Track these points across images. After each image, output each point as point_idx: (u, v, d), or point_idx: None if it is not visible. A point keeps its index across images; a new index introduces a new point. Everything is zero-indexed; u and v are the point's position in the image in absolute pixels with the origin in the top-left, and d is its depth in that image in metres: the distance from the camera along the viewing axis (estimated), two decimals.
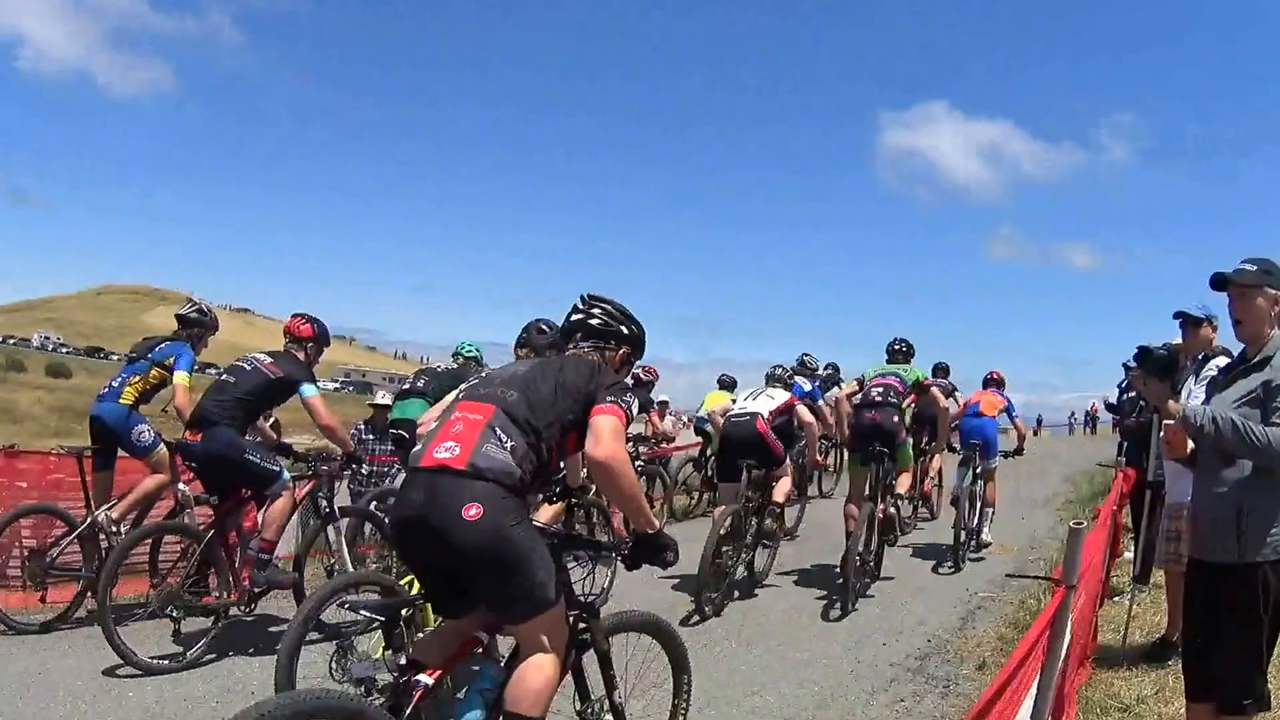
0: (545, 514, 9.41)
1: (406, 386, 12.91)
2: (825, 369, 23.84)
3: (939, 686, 9.18)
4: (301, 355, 10.78)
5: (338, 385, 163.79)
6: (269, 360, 10.52)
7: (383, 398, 18.61)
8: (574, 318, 5.93)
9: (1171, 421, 6.05)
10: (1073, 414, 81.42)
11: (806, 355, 21.57)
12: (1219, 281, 5.96)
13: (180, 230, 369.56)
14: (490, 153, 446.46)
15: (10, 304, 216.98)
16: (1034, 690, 4.57)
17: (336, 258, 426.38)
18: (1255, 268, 5.92)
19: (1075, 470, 33.19)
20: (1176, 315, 8.67)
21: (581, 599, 5.53)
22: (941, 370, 20.19)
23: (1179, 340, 8.83)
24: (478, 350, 13.34)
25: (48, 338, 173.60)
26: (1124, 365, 14.11)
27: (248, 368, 10.40)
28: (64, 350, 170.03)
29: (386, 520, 10.02)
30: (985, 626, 11.48)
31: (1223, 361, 7.92)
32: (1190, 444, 6.02)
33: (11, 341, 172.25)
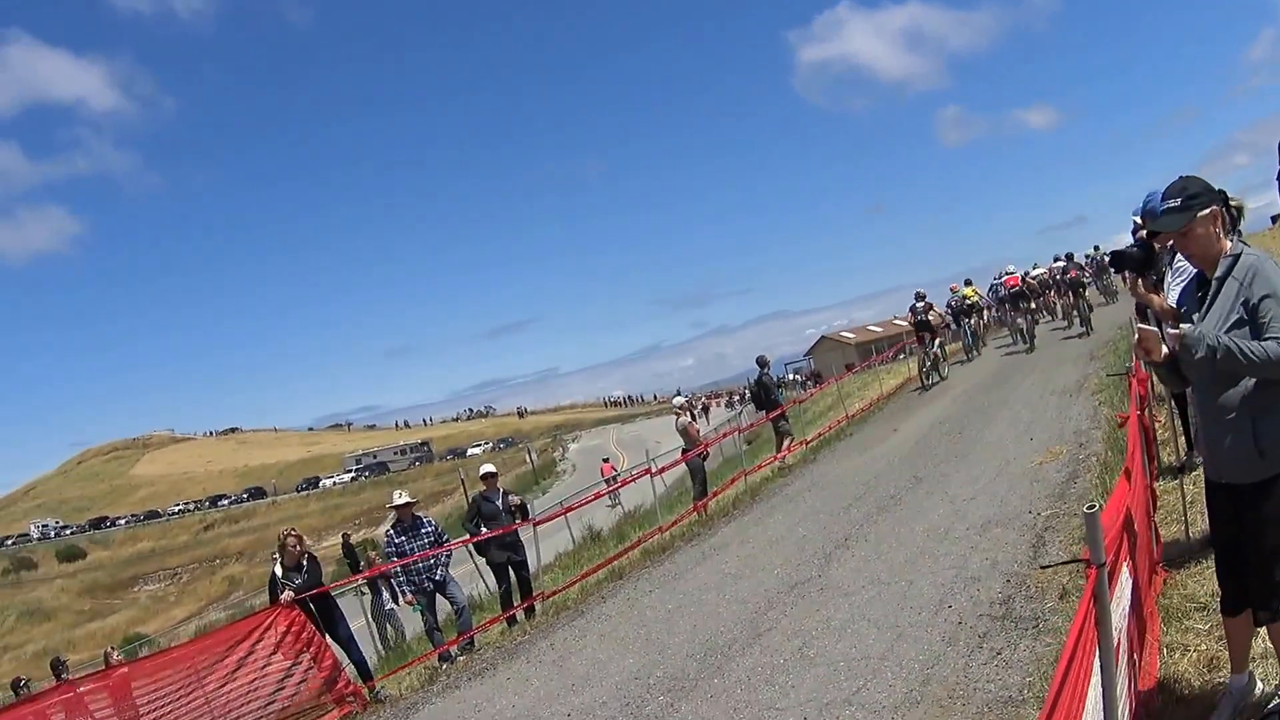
0: None
1: None
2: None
3: (1029, 628, 9.50)
4: None
5: (353, 474, 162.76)
6: None
7: (399, 497, 19.16)
8: None
9: (1145, 327, 6.15)
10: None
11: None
12: (1136, 231, 6.10)
13: (136, 372, 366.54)
14: (411, 179, 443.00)
15: None
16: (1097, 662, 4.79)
17: (304, 347, 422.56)
18: (1178, 203, 5.98)
19: (1098, 342, 33.78)
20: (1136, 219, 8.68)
21: None
22: None
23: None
24: None
25: (45, 525, 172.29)
26: (1134, 219, 14.49)
27: None
28: (67, 532, 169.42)
29: None
30: (1057, 550, 11.76)
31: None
32: (1165, 350, 6.01)
33: (10, 542, 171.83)
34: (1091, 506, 4.81)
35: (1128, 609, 5.83)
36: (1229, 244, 5.99)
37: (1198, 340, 5.72)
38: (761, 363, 33.08)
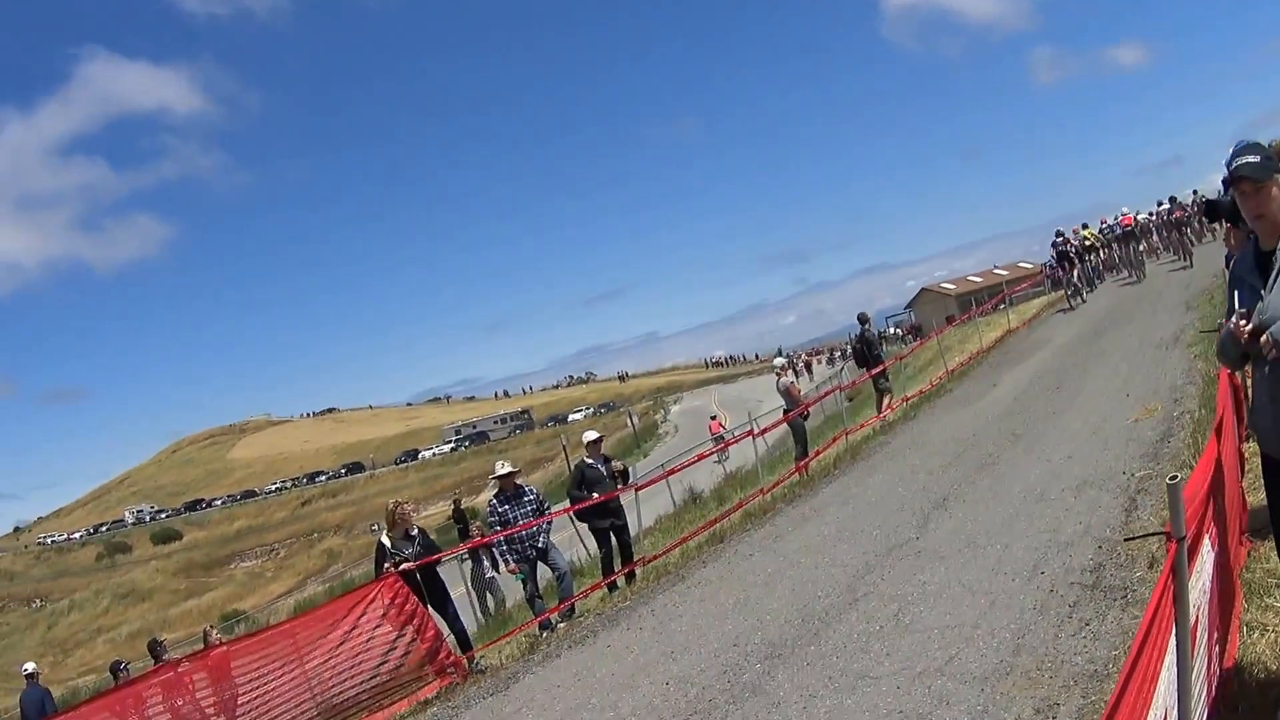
0: None
1: None
2: None
3: (1117, 599, 9.63)
4: None
5: (453, 445, 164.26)
6: None
7: (503, 467, 19.43)
8: None
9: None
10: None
11: None
12: (1227, 181, 6.18)
13: (231, 363, 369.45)
14: (502, 150, 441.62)
15: (88, 494, 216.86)
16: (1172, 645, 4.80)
17: (401, 325, 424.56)
18: (1259, 157, 5.89)
19: (1194, 291, 33.29)
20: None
21: None
22: None
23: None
24: None
25: (140, 511, 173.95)
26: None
27: None
28: (162, 516, 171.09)
29: None
30: (1149, 514, 11.84)
31: None
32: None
33: (104, 529, 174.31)
34: (1174, 477, 4.90)
35: (1210, 583, 5.84)
36: None
37: None
38: (863, 319, 33.45)
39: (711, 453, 34.10)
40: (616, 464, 21.04)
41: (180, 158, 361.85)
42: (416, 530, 16.88)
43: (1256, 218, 5.96)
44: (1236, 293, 6.05)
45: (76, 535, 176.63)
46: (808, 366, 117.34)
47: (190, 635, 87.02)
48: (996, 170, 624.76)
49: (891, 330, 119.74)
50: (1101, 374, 23.66)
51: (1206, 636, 5.70)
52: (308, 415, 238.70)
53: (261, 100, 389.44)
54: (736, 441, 33.97)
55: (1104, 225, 49.19)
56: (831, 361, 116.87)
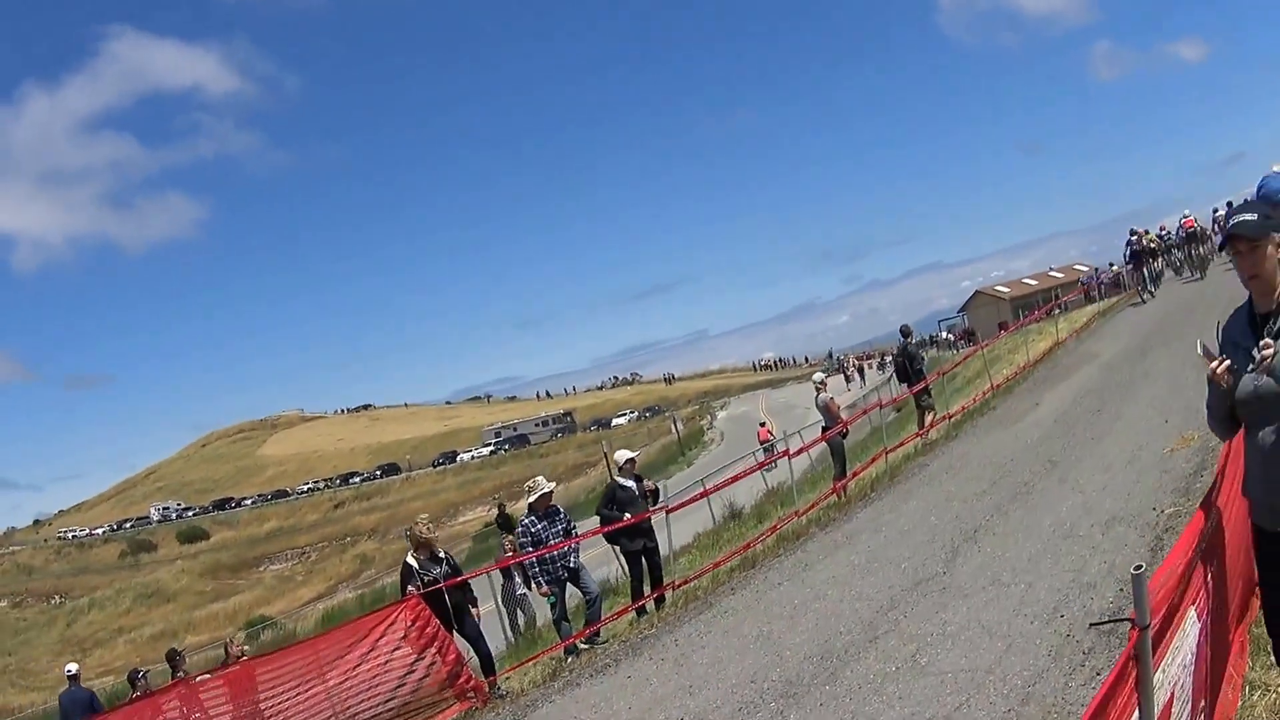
0: None
1: None
2: None
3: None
4: None
5: (492, 448, 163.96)
6: None
7: (541, 486, 19.57)
8: None
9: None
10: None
11: None
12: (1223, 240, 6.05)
13: (263, 355, 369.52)
14: (549, 138, 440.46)
15: (111, 489, 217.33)
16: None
17: (439, 321, 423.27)
18: (1255, 215, 5.94)
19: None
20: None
21: None
22: None
23: None
24: None
25: (166, 508, 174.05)
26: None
27: None
28: (189, 514, 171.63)
29: None
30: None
31: None
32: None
33: (128, 525, 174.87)
34: (1139, 567, 4.83)
35: (1193, 654, 5.75)
36: None
37: None
38: (905, 332, 33.77)
39: (751, 471, 34.37)
40: (648, 484, 21.35)
41: (214, 136, 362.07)
42: (443, 552, 17.21)
43: (1251, 278, 6.02)
44: (1229, 358, 5.96)
45: (99, 531, 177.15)
46: (859, 371, 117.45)
47: (215, 640, 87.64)
48: (1055, 167, 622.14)
49: (944, 334, 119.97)
50: (1144, 396, 23.78)
51: (1191, 705, 5.74)
52: (342, 412, 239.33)
53: (298, 82, 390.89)
54: (774, 460, 34.25)
55: (1163, 231, 52.53)
56: (883, 366, 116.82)
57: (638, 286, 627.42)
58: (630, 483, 20.54)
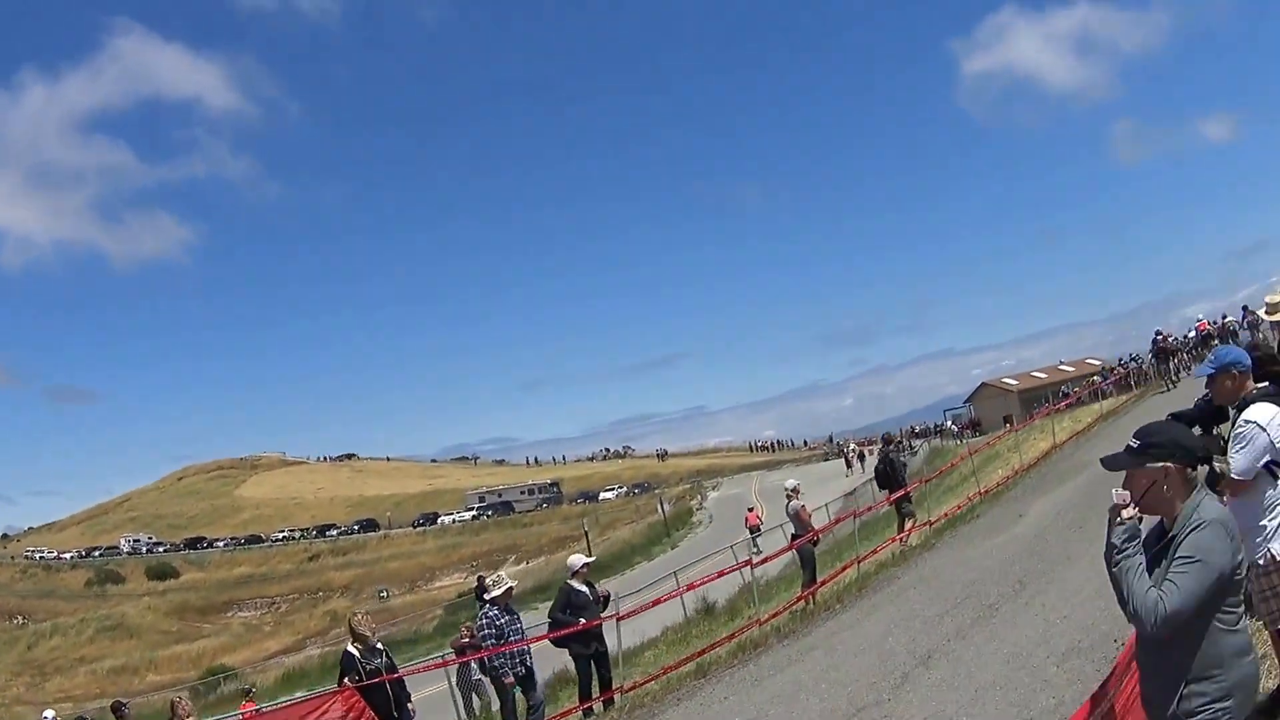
0: None
1: None
2: None
3: None
4: None
5: (475, 513, 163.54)
6: None
7: (502, 583, 20.41)
8: None
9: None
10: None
11: None
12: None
13: (249, 390, 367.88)
14: (558, 202, 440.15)
15: (83, 512, 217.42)
16: None
17: (433, 373, 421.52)
18: (1139, 443, 6.34)
19: None
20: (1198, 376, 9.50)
21: None
22: None
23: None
24: None
25: (136, 540, 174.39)
26: None
27: None
28: (160, 549, 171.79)
29: None
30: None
31: (1262, 411, 8.38)
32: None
33: (97, 554, 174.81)
34: None
35: None
36: (1183, 506, 6.13)
37: (1127, 533, 6.03)
38: (888, 440, 34.38)
39: (727, 572, 34.58)
40: (601, 590, 21.77)
41: (210, 156, 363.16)
42: (380, 644, 17.58)
43: (1142, 506, 6.22)
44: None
45: (67, 555, 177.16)
46: (860, 457, 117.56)
47: (175, 681, 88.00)
48: (1072, 254, 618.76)
49: (949, 424, 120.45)
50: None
51: None
52: (324, 459, 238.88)
53: (302, 110, 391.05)
54: (737, 569, 34.47)
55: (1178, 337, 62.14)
56: (901, 445, 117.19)
57: (639, 357, 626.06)
58: (584, 588, 20.88)
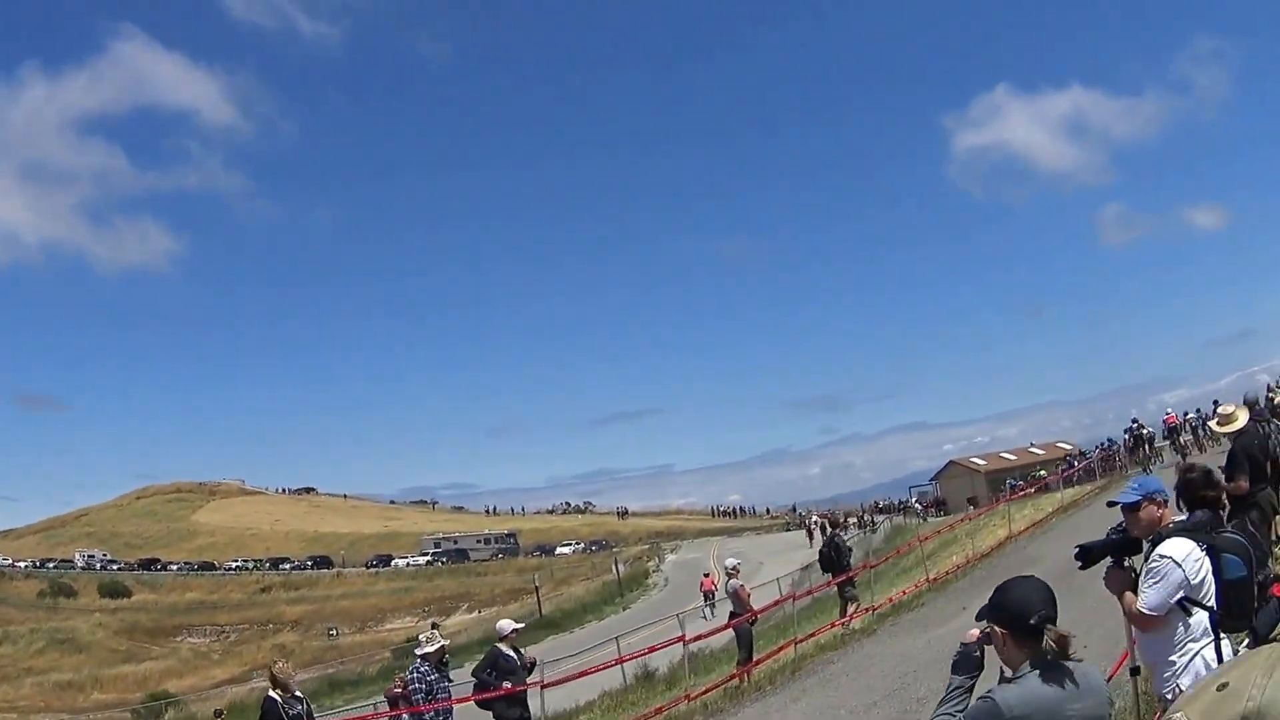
0: None
1: None
2: None
3: None
4: None
5: (429, 558, 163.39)
6: None
7: (433, 641, 20.30)
8: None
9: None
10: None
11: None
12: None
13: (215, 412, 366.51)
14: (548, 268, 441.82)
15: (41, 522, 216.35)
16: None
17: (400, 412, 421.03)
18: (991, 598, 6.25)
19: None
20: (1110, 504, 9.61)
21: None
22: None
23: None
24: None
25: (92, 555, 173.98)
26: None
27: None
28: (114, 567, 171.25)
29: None
30: None
31: (1177, 546, 8.30)
32: None
33: (52, 565, 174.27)
34: None
35: None
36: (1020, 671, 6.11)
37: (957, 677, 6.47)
38: (834, 523, 34.34)
39: (669, 644, 34.63)
40: (528, 656, 22.07)
41: (201, 168, 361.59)
42: (300, 692, 17.86)
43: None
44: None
45: (22, 564, 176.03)
46: (822, 528, 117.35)
47: (120, 702, 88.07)
48: (1053, 333, 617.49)
49: (914, 502, 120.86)
50: (1066, 617, 24.14)
51: None
52: (283, 491, 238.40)
53: (296, 131, 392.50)
54: (663, 647, 34.50)
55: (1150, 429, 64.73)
56: (845, 528, 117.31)
57: (607, 409, 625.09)
58: (511, 652, 21.16)
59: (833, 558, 34.13)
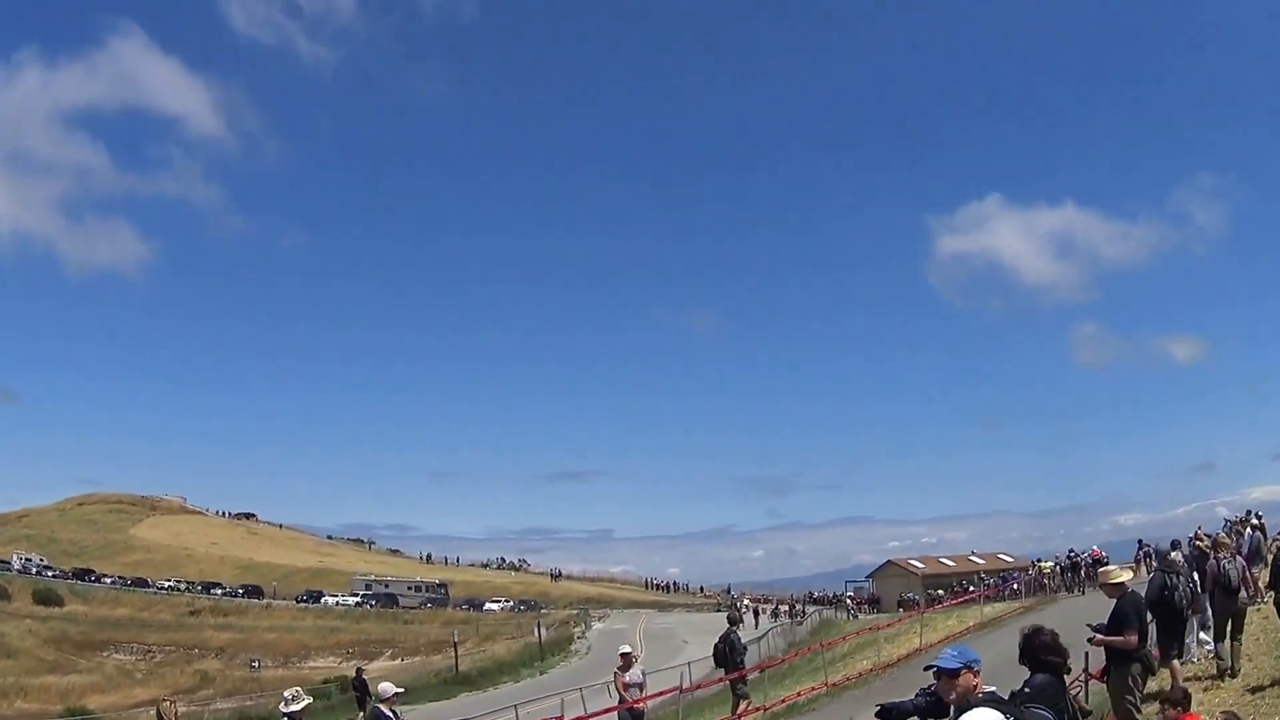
0: None
1: None
2: None
3: None
4: None
5: (359, 599, 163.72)
6: None
7: (295, 702, 19.81)
8: None
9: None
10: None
11: None
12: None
13: (163, 424, 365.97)
14: (513, 316, 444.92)
15: None
16: None
17: (343, 450, 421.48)
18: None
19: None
20: (927, 668, 9.67)
21: None
22: None
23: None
24: None
25: (29, 559, 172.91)
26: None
27: None
28: (49, 573, 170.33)
29: None
30: None
31: (985, 717, 8.13)
32: None
33: None
34: None
35: None
36: None
37: None
38: (732, 620, 35.41)
39: None
40: None
41: (182, 177, 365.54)
42: None
43: None
44: None
45: None
46: (754, 613, 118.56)
47: (42, 713, 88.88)
48: (1011, 443, 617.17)
49: (848, 599, 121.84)
50: None
51: None
52: (223, 514, 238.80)
53: (279, 150, 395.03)
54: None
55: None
56: (776, 615, 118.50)
57: (555, 466, 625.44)
58: (390, 714, 23.03)
59: (726, 653, 34.33)
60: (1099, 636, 17.22)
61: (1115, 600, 17.71)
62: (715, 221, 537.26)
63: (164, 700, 20.53)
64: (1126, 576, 18.89)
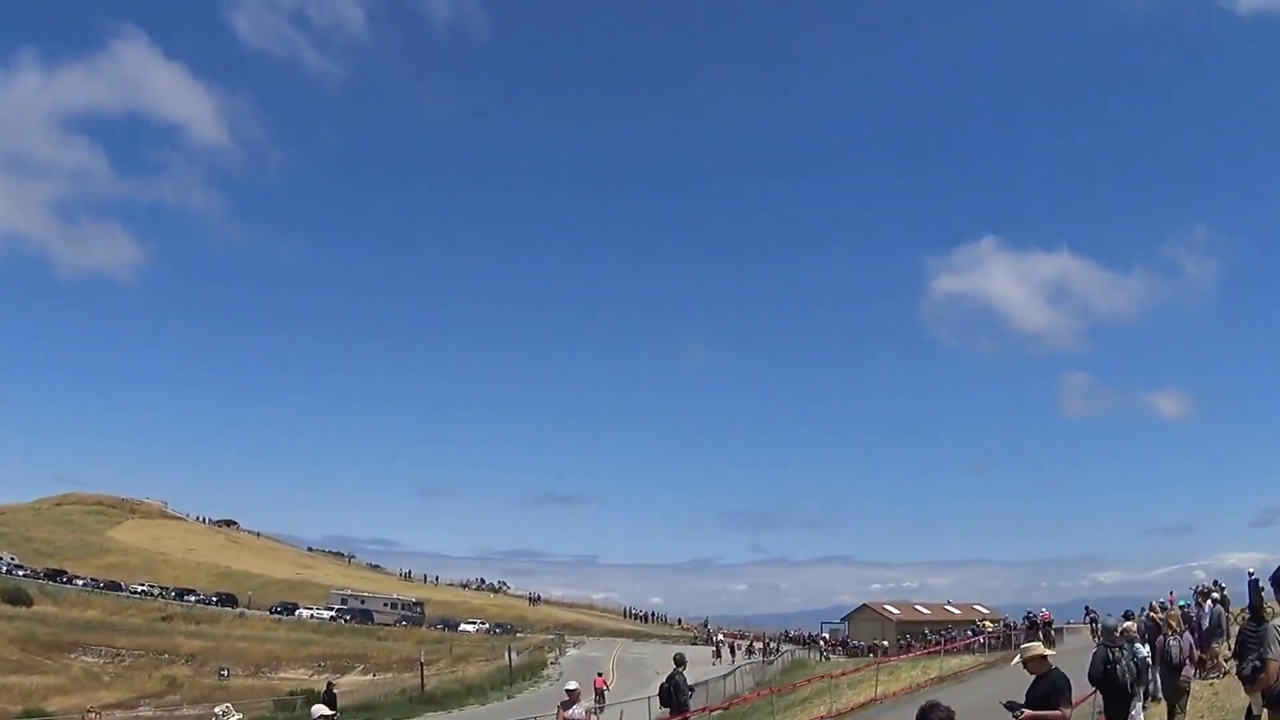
0: None
1: None
2: None
3: None
4: None
5: (334, 613, 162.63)
6: None
7: (228, 713, 20.60)
8: None
9: None
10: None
11: None
12: None
13: (153, 430, 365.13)
14: (511, 337, 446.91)
15: None
16: None
17: (331, 462, 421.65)
18: None
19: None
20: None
21: None
22: None
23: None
24: None
25: (1, 557, 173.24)
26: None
27: None
28: (20, 573, 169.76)
29: None
30: None
31: None
32: None
33: None
34: None
35: None
36: None
37: None
38: (679, 660, 35.43)
39: None
40: None
41: (180, 184, 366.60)
42: None
43: None
44: None
45: None
46: (731, 648, 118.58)
47: (3, 713, 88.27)
48: (998, 490, 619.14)
49: (823, 639, 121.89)
50: None
51: None
52: (203, 520, 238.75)
53: (281, 161, 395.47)
54: None
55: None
56: (751, 651, 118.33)
57: (543, 489, 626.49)
58: None
59: (671, 694, 34.70)
60: (1027, 712, 16.74)
61: (1035, 676, 17.36)
62: (711, 253, 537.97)
63: (90, 711, 20.60)
64: (1050, 653, 18.67)
